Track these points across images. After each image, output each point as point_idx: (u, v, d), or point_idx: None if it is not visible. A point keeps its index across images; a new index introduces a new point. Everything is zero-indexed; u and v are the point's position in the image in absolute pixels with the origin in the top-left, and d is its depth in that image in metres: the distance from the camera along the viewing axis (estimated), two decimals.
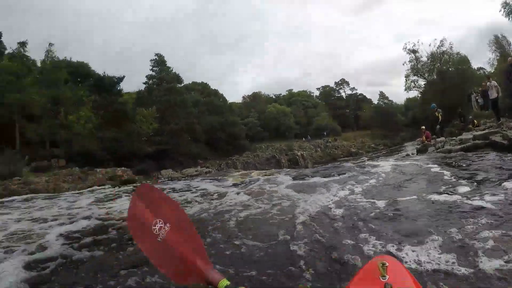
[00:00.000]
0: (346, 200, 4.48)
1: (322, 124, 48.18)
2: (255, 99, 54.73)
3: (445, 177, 5.10)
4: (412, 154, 13.35)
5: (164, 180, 16.03)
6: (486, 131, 9.23)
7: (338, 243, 2.80)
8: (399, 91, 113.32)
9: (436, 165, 6.57)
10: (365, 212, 3.70)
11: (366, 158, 23.86)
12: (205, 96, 37.22)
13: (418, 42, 32.05)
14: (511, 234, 2.47)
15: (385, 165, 7.70)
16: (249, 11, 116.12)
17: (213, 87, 41.98)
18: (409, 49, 31.63)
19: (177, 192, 7.91)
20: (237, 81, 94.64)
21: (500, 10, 12.98)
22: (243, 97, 58.06)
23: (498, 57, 27.65)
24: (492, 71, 26.08)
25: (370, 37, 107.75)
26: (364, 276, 1.02)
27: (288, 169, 13.53)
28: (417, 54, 31.21)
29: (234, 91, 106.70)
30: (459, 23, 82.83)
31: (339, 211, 3.87)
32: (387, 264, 0.95)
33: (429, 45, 30.32)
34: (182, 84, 32.42)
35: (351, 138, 45.67)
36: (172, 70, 30.77)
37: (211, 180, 9.91)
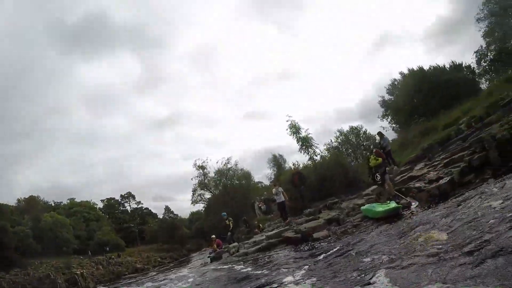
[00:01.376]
0: None
1: (104, 239, 45.93)
2: (30, 204, 48.34)
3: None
4: (206, 263, 13.13)
5: None
6: (277, 230, 10.08)
7: None
8: (184, 206, 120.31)
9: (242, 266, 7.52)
10: None
11: (155, 273, 23.41)
12: None
13: (206, 159, 35.25)
14: None
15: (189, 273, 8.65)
16: (46, 106, 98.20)
17: None
18: (198, 165, 34.33)
19: None
20: (12, 179, 72.14)
21: (287, 129, 16.95)
22: (18, 199, 50.80)
23: (275, 171, 34.17)
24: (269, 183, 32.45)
25: (158, 153, 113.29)
26: None
27: None
28: (205, 170, 34.39)
29: (9, 190, 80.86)
30: (238, 146, 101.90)
31: None
32: None
33: (217, 162, 33.83)
34: None
35: (136, 253, 43.72)
36: None
37: None
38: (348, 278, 4.09)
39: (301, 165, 15.93)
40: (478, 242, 3.48)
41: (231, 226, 14.87)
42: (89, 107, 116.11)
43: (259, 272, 6.24)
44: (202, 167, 33.82)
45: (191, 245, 43.92)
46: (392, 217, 6.94)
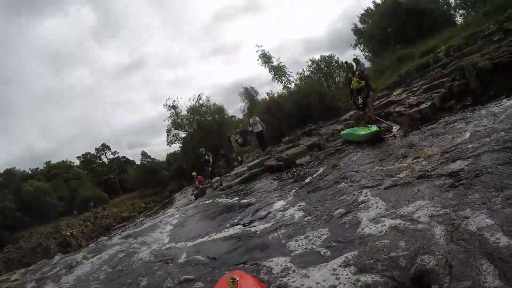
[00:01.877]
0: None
1: (87, 195, 46.13)
2: (8, 177, 46.66)
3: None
4: (190, 200, 12.56)
5: None
6: (258, 160, 10.04)
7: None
8: (160, 149, 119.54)
9: (227, 198, 7.44)
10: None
11: (142, 219, 22.82)
12: None
13: (177, 98, 34.31)
14: None
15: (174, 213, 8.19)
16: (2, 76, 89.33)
17: None
18: (169, 105, 33.34)
19: None
20: None
21: (258, 59, 16.12)
22: None
23: (248, 104, 33.83)
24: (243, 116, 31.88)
25: (127, 100, 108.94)
26: None
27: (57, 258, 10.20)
28: (177, 109, 33.48)
29: None
30: (207, 83, 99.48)
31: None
32: (237, 278, 1.11)
33: (189, 100, 33.22)
34: None
35: (120, 203, 43.87)
36: None
37: None
38: (337, 199, 4.03)
39: (275, 94, 15.54)
40: (464, 162, 3.51)
41: (211, 161, 14.57)
42: (48, 66, 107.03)
43: (247, 200, 6.15)
44: (173, 107, 33.05)
45: (172, 186, 44.48)
46: (374, 140, 6.90)
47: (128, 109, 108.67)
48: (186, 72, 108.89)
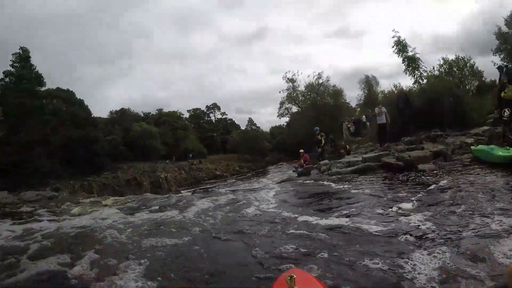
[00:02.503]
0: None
1: (188, 146, 46.90)
2: (122, 116, 49.36)
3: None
4: (291, 177, 12.46)
5: None
6: (374, 153, 10.00)
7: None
8: (265, 119, 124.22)
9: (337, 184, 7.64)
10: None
11: (234, 181, 24.31)
12: (69, 105, 31.46)
13: (297, 71, 33.23)
14: None
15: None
16: (134, 27, 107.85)
17: (81, 97, 35.48)
18: (288, 78, 32.81)
19: None
20: (107, 95, 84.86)
21: (393, 46, 15.63)
22: (110, 111, 51.18)
23: (365, 94, 31.91)
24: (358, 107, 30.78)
25: (244, 68, 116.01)
26: None
27: (149, 195, 12.07)
28: (295, 83, 32.66)
29: (104, 105, 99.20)
30: (325, 64, 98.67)
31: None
32: (295, 276, 1.13)
33: (308, 76, 32.07)
34: (44, 88, 26.94)
35: (216, 161, 44.56)
36: (35, 69, 25.09)
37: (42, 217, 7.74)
38: (466, 220, 3.66)
39: (404, 88, 14.61)
40: None
41: (323, 142, 13.98)
42: (174, 26, 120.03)
43: (360, 191, 6.24)
44: (292, 80, 33.06)
45: (270, 158, 45.53)
46: None
47: (243, 76, 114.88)
48: (306, 49, 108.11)
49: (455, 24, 65.55)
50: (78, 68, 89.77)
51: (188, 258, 3.75)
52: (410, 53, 15.24)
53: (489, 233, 3.19)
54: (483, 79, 18.42)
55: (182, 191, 25.89)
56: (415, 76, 15.13)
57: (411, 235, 3.47)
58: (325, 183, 8.36)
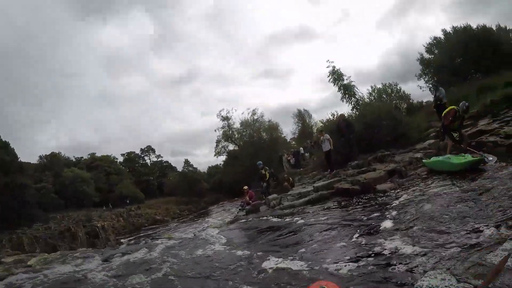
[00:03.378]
0: None
1: (124, 192, 46.69)
2: (53, 161, 48.03)
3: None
4: (238, 216, 11.73)
5: None
6: (324, 182, 9.48)
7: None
8: (201, 161, 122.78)
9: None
10: None
11: (176, 224, 23.72)
12: None
13: (232, 109, 34.54)
14: None
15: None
16: (63, 66, 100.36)
17: (6, 139, 32.93)
18: (223, 116, 33.30)
19: None
20: (36, 139, 78.23)
21: (328, 76, 15.88)
22: (40, 156, 49.81)
23: (299, 127, 34.08)
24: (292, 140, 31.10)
25: (175, 110, 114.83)
26: None
27: (82, 250, 9.95)
28: (229, 121, 33.33)
29: (33, 150, 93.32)
30: (254, 103, 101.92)
31: None
32: (325, 287, 1.20)
33: (242, 113, 32.76)
34: None
35: (155, 205, 43.97)
36: None
37: None
38: (453, 231, 3.40)
39: (345, 114, 14.75)
40: None
41: (267, 176, 13.58)
42: (105, 68, 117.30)
43: (336, 221, 5.49)
44: (226, 118, 32.87)
45: (209, 199, 44.40)
46: (467, 171, 6.10)
47: (175, 118, 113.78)
48: (235, 90, 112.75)
49: (375, 58, 74.70)
50: (2, 108, 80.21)
51: None
52: (345, 81, 15.73)
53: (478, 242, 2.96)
54: (411, 101, 20.17)
55: (122, 240, 23.05)
56: (352, 103, 15.51)
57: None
58: (277, 219, 7.59)
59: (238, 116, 32.89)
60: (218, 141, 34.70)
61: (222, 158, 39.10)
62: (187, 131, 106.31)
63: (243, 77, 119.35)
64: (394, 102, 18.14)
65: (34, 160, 47.44)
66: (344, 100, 15.89)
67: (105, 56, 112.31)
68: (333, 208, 6.78)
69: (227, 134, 33.54)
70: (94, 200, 42.69)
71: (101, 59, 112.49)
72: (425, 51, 24.82)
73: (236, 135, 32.83)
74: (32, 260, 7.56)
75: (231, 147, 34.55)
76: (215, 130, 34.15)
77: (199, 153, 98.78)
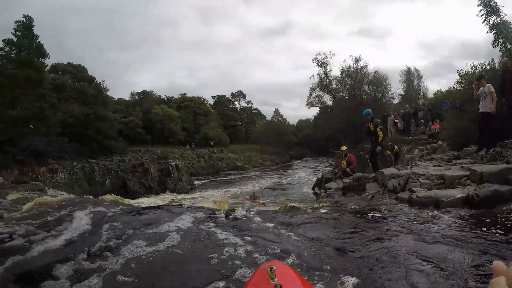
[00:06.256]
0: None
1: (210, 134, 44.91)
2: (144, 98, 48.79)
3: None
4: (331, 190, 7.39)
5: None
6: (492, 164, 5.49)
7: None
8: (290, 113, 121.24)
9: None
10: None
11: (256, 173, 23.77)
12: (78, 81, 29.49)
13: (330, 53, 28.16)
14: None
15: None
16: (160, 17, 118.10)
17: (106, 79, 34.80)
18: (318, 60, 28.12)
19: None
20: (134, 81, 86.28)
21: (480, 11, 11.77)
22: (132, 93, 51.51)
23: (405, 88, 28.44)
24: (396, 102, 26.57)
25: (267, 61, 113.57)
26: (256, 281, 1.13)
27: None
28: (327, 67, 27.97)
29: (130, 90, 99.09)
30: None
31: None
32: (275, 267, 1.10)
33: (344, 61, 27.04)
34: (47, 60, 24.20)
35: (239, 151, 42.27)
36: (37, 39, 22.04)
37: None
38: None
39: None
40: None
41: (380, 136, 8.04)
42: (200, 18, 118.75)
43: None
44: (323, 63, 28.47)
45: (294, 152, 43.21)
46: None
47: (267, 69, 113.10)
48: (329, 45, 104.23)
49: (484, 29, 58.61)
50: (106, 53, 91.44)
51: None
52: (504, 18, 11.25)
53: None
54: None
55: (195, 182, 23.43)
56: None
57: None
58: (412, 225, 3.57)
59: (338, 62, 28.63)
60: (312, 89, 30.69)
61: (314, 110, 35.79)
62: (278, 82, 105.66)
63: (338, 35, 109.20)
64: None
65: (127, 97, 51.81)
66: (495, 46, 11.40)
67: (198, 5, 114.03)
68: None
69: (323, 83, 29.40)
70: (179, 138, 44.52)
71: (196, 8, 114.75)
72: None
73: (334, 85, 28.84)
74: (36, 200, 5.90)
75: (326, 98, 30.82)
76: (310, 77, 30.34)
77: (288, 105, 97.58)
